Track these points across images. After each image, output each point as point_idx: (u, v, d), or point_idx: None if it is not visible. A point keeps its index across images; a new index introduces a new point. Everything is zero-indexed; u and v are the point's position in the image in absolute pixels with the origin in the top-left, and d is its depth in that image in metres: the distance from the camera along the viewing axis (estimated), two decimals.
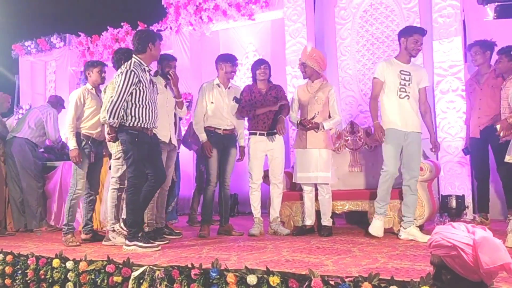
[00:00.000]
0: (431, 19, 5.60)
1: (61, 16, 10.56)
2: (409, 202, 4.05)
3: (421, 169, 4.20)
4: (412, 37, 4.04)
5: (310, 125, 4.46)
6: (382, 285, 2.26)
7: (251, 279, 2.61)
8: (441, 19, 5.55)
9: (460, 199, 5.09)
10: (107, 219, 4.57)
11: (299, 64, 4.73)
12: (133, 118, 3.95)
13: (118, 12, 9.83)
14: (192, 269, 2.83)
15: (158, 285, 2.90)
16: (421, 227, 4.21)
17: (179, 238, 4.68)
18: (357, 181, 5.06)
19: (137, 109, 3.96)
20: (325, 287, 2.37)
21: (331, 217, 4.57)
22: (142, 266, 3.07)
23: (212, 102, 4.77)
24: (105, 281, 3.16)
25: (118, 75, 3.97)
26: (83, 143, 4.60)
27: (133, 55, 4.09)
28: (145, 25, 7.94)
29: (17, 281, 3.67)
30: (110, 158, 4.80)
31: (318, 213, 4.63)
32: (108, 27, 8.77)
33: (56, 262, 3.46)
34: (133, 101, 3.95)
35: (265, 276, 2.58)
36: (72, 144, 4.53)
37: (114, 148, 4.40)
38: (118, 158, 4.42)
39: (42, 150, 6.33)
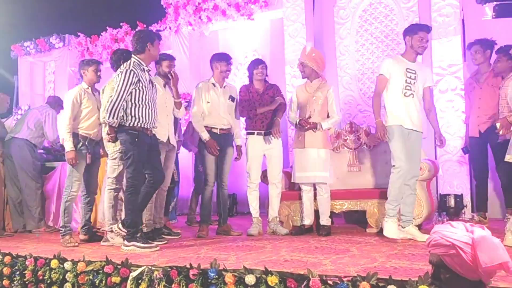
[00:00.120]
0: (430, 18, 5.59)
1: (60, 17, 10.55)
2: (408, 201, 4.02)
3: (419, 168, 4.19)
4: (417, 35, 4.00)
5: (308, 125, 4.46)
6: (380, 284, 2.26)
7: (250, 279, 2.61)
8: (440, 18, 5.55)
9: (459, 198, 5.09)
10: (105, 219, 4.57)
11: (298, 63, 4.73)
12: (133, 118, 3.95)
13: (117, 12, 9.82)
14: (191, 269, 2.82)
15: (156, 286, 2.89)
16: (419, 226, 4.21)
17: (178, 238, 4.67)
18: (356, 181, 5.06)
19: (136, 109, 3.95)
20: (324, 287, 2.37)
21: (330, 216, 4.57)
22: (140, 266, 3.07)
23: (208, 102, 4.76)
24: (104, 281, 3.16)
25: (118, 74, 3.97)
26: (80, 144, 4.58)
27: (132, 55, 4.09)
28: (144, 25, 7.93)
29: (15, 282, 3.66)
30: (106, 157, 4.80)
31: (316, 213, 4.63)
32: (107, 27, 8.77)
33: (54, 263, 3.46)
34: (132, 101, 3.94)
35: (264, 276, 2.58)
36: (68, 145, 4.49)
37: (111, 148, 4.39)
38: (115, 159, 4.41)
39: (41, 151, 6.32)
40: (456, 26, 5.51)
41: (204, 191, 4.82)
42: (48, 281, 3.45)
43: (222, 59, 4.85)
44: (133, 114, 3.94)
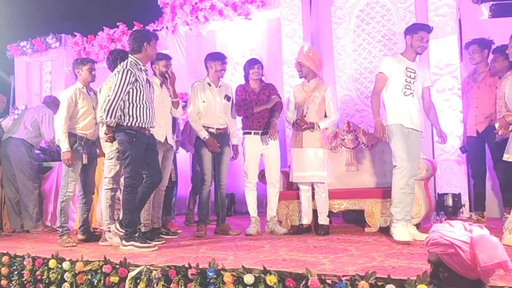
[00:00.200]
0: (427, 18, 5.60)
1: (56, 16, 10.52)
2: (406, 200, 4.02)
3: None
4: (418, 34, 3.97)
5: (305, 124, 4.47)
6: (379, 283, 2.27)
7: (248, 279, 2.61)
8: (437, 18, 5.56)
9: (457, 197, 5.10)
10: (102, 219, 4.56)
11: (295, 63, 4.74)
12: (131, 118, 3.94)
13: (114, 12, 9.80)
14: (189, 268, 2.83)
15: (155, 285, 2.89)
16: (417, 226, 4.21)
17: (176, 238, 4.67)
18: (354, 180, 5.06)
19: (134, 109, 3.95)
20: (322, 286, 2.38)
21: (328, 216, 4.58)
22: (139, 266, 3.07)
23: (204, 101, 4.76)
24: (102, 281, 3.16)
25: (115, 74, 3.96)
26: (76, 144, 4.55)
27: (129, 55, 4.08)
28: (141, 25, 7.93)
29: (13, 282, 3.66)
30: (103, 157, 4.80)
31: (315, 212, 4.63)
32: (104, 27, 8.75)
33: (52, 263, 3.46)
34: (130, 101, 3.94)
35: (262, 275, 2.59)
36: (64, 146, 4.46)
37: (108, 148, 4.39)
38: (111, 158, 4.40)
39: (37, 151, 6.30)
40: (452, 26, 5.52)
41: (201, 191, 4.82)
42: (47, 281, 3.45)
43: (217, 58, 4.85)
44: (130, 113, 3.94)
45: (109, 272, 3.15)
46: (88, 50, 8.91)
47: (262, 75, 4.93)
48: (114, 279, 3.11)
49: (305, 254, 3.36)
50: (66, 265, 3.39)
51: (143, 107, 3.99)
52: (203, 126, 4.74)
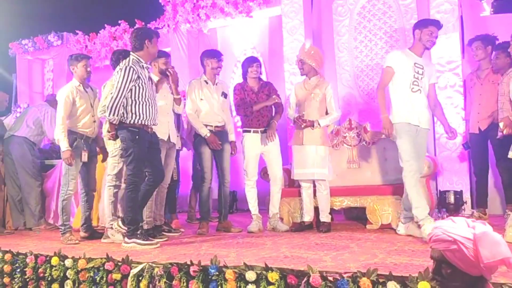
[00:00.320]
0: (429, 15, 5.58)
1: (58, 15, 10.52)
2: (408, 192, 3.92)
3: None
4: (427, 29, 3.91)
5: (304, 123, 4.46)
6: (381, 280, 2.27)
7: (250, 276, 2.62)
8: (439, 15, 5.54)
9: (458, 194, 5.09)
10: (105, 216, 4.57)
11: (297, 61, 4.73)
12: (133, 115, 3.94)
13: (116, 10, 9.80)
14: (191, 266, 2.83)
15: (157, 282, 2.90)
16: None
17: (178, 235, 4.67)
18: (355, 177, 5.07)
19: (137, 106, 3.95)
20: (324, 283, 2.38)
21: (330, 213, 4.58)
22: (141, 263, 3.08)
23: (201, 99, 4.75)
24: (104, 278, 3.17)
25: (117, 72, 3.96)
26: (76, 141, 4.55)
27: (131, 53, 4.08)
28: (143, 23, 7.91)
29: (16, 280, 3.68)
30: (102, 154, 4.81)
31: (316, 210, 4.64)
32: (105, 25, 8.74)
33: (55, 260, 3.47)
34: (132, 98, 3.94)
35: (264, 272, 2.59)
36: (64, 145, 4.45)
37: (111, 145, 4.40)
38: (115, 156, 4.41)
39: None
40: (454, 22, 5.50)
41: (201, 189, 4.83)
42: (49, 278, 3.47)
43: (213, 55, 4.84)
44: (133, 111, 3.94)
45: (112, 269, 3.17)
46: (90, 48, 8.90)
47: (261, 73, 4.93)
48: (116, 276, 3.12)
49: (306, 251, 3.37)
50: (68, 262, 3.40)
51: (146, 105, 3.99)
52: (202, 124, 4.74)
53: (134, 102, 3.94)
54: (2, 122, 6.23)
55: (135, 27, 7.27)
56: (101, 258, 3.28)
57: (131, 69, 3.90)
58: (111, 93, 3.94)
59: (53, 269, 3.46)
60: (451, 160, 5.44)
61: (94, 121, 4.66)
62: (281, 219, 4.82)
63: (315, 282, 2.39)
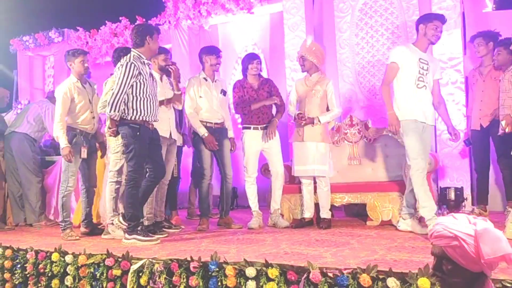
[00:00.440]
0: (430, 11, 5.56)
1: (59, 11, 10.51)
2: (412, 194, 3.93)
3: None
4: (432, 23, 3.85)
5: (304, 121, 4.45)
6: (381, 276, 2.27)
7: (250, 272, 2.62)
8: (440, 11, 5.49)
9: (459, 191, 5.09)
10: (106, 212, 4.57)
11: (298, 57, 4.72)
12: (134, 112, 3.93)
13: (116, 6, 9.77)
14: (191, 262, 2.83)
15: (157, 278, 2.90)
16: (419, 220, 4.20)
17: (179, 232, 4.67)
18: (356, 174, 5.07)
19: (138, 102, 3.94)
20: (324, 279, 2.38)
21: (330, 209, 4.58)
22: (141, 259, 3.07)
23: (201, 97, 4.73)
24: (105, 274, 3.17)
25: (118, 68, 3.95)
26: (75, 138, 4.53)
27: (132, 49, 4.08)
28: (144, 19, 7.90)
29: (16, 275, 3.67)
30: (101, 150, 4.80)
31: (317, 206, 4.64)
32: (106, 21, 8.73)
33: (55, 256, 3.47)
34: (133, 94, 3.93)
35: (264, 268, 2.59)
36: (62, 142, 4.43)
37: (113, 142, 4.39)
38: (117, 152, 4.40)
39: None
40: (456, 19, 5.49)
41: (201, 185, 4.82)
42: (49, 274, 3.47)
43: (212, 52, 4.81)
44: (134, 107, 3.93)
45: (112, 265, 3.17)
46: (90, 44, 8.89)
47: (261, 70, 4.91)
48: (116, 272, 3.12)
49: (307, 247, 3.36)
50: (68, 258, 3.40)
51: (147, 101, 3.98)
52: (202, 121, 4.73)
53: (135, 98, 3.93)
54: (3, 118, 6.23)
55: (135, 24, 7.25)
56: (102, 254, 3.28)
57: (132, 65, 3.89)
58: (112, 89, 3.94)
59: (53, 265, 3.45)
60: (452, 156, 5.44)
61: (93, 117, 4.65)
62: (282, 215, 4.82)
63: (315, 278, 2.39)
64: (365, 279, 2.28)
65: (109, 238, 4.36)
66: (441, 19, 3.92)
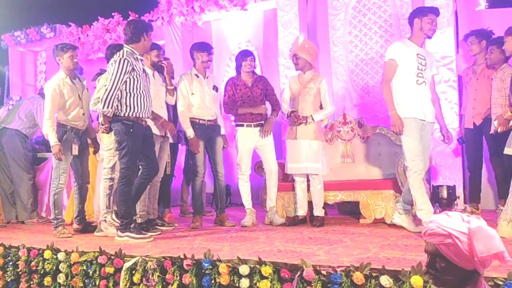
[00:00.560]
0: None
1: (51, 6, 10.42)
2: (409, 191, 3.86)
3: None
4: (427, 17, 3.78)
5: (298, 120, 4.44)
6: (374, 274, 2.28)
7: (243, 269, 2.62)
8: None
9: (451, 189, 5.11)
10: (99, 208, 4.55)
11: (290, 55, 4.71)
12: (128, 108, 3.91)
13: (109, 2, 9.71)
14: (185, 259, 2.83)
15: (150, 276, 2.90)
16: (414, 217, 4.22)
17: (172, 229, 4.66)
18: (349, 172, 5.08)
19: (131, 98, 3.91)
20: (317, 277, 2.38)
21: (323, 207, 4.58)
22: (134, 257, 3.07)
23: (193, 93, 4.70)
24: (97, 272, 3.17)
25: (111, 64, 3.92)
26: (66, 135, 4.48)
27: (125, 45, 4.04)
28: (137, 15, 7.86)
29: (8, 273, 3.65)
30: (94, 146, 4.78)
31: (310, 204, 4.65)
32: (99, 17, 8.67)
33: (47, 254, 3.46)
34: (127, 90, 3.90)
35: (258, 266, 2.59)
36: (52, 140, 4.36)
37: (106, 138, 4.36)
38: (111, 149, 4.38)
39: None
40: (449, 17, 5.50)
41: (194, 182, 4.80)
42: (42, 272, 3.45)
43: (203, 49, 4.79)
44: (127, 103, 3.91)
45: (105, 263, 3.16)
46: (83, 40, 8.83)
47: (255, 67, 4.89)
48: (109, 270, 3.11)
49: (300, 245, 3.37)
50: (61, 256, 3.39)
51: (140, 97, 3.95)
52: (195, 118, 4.70)
53: (128, 94, 3.91)
54: None
55: (130, 19, 7.20)
56: (94, 252, 3.27)
57: (126, 61, 3.86)
58: (105, 86, 3.91)
59: (45, 263, 3.44)
60: (445, 155, 5.46)
61: (84, 113, 4.60)
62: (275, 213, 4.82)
63: (308, 276, 2.39)
64: (358, 277, 2.28)
65: (101, 235, 4.34)
66: (436, 12, 3.86)
